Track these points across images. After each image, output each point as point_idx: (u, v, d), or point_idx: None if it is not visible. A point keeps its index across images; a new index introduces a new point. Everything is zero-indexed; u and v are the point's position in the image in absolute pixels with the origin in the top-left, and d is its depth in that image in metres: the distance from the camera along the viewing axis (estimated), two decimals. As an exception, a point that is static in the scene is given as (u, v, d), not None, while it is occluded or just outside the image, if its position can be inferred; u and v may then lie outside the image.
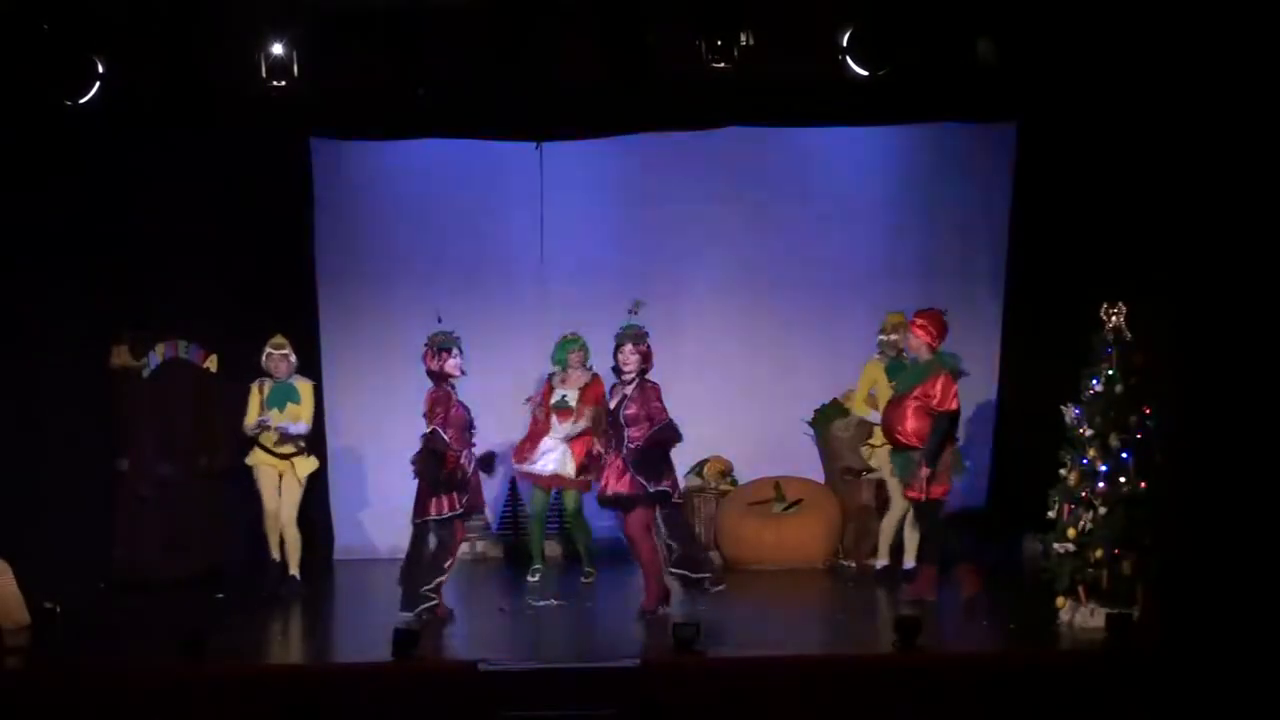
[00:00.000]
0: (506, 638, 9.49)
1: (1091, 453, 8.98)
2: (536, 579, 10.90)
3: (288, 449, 10.65)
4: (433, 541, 9.37)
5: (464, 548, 10.22)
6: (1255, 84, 9.82)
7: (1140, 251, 10.44)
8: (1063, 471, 9.13)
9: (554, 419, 10.95)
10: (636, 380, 9.56)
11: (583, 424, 10.77)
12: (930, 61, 10.12)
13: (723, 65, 9.87)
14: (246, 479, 10.75)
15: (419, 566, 9.36)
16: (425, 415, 9.44)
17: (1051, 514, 9.16)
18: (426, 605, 9.29)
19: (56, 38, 9.84)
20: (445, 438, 9.33)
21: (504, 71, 10.05)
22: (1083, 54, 10.12)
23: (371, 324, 12.13)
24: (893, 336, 10.93)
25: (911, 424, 9.91)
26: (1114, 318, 9.07)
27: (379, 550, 11.92)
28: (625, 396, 9.55)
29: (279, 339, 10.70)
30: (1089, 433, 9.01)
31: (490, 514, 11.84)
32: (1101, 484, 8.92)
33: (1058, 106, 10.81)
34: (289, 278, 11.76)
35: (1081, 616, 8.93)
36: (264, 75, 9.95)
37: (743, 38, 9.83)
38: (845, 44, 10.02)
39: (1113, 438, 8.95)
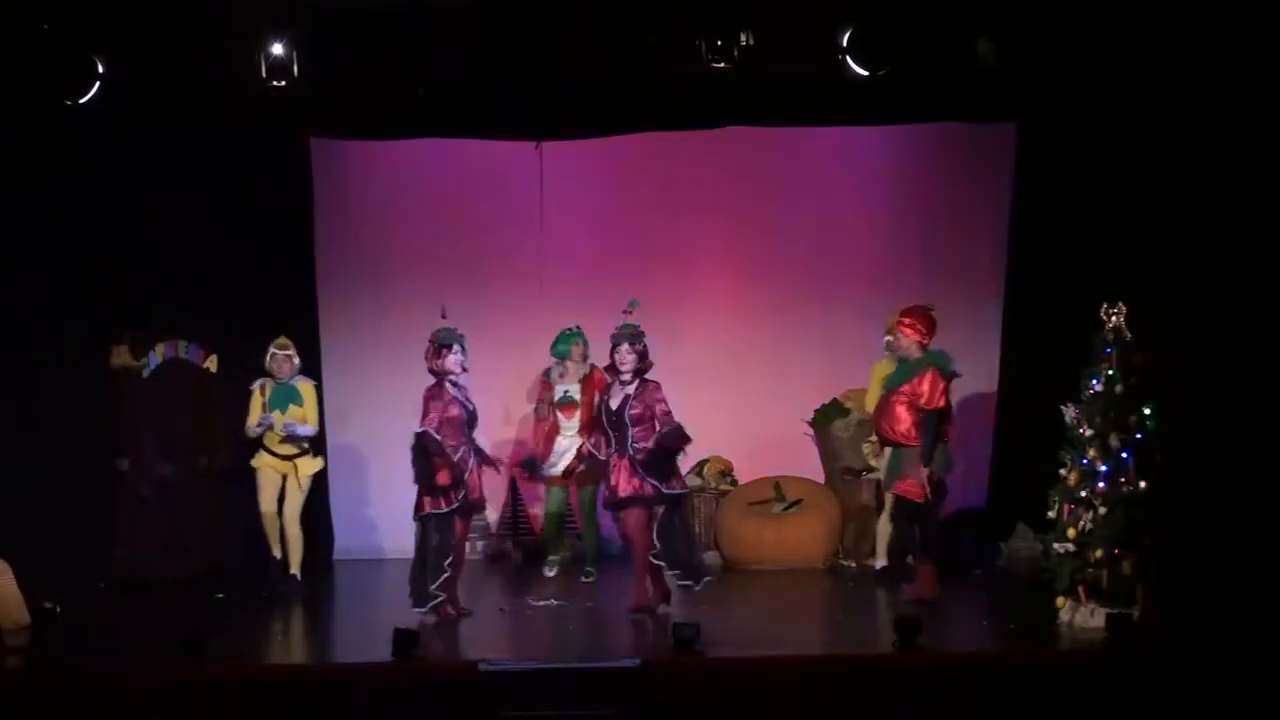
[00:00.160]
0: (506, 638, 9.50)
1: (1091, 453, 8.98)
2: (554, 572, 11.00)
3: (291, 449, 10.65)
4: (433, 539, 9.39)
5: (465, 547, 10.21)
6: (1255, 84, 9.82)
7: (1140, 251, 10.45)
8: (1063, 471, 9.13)
9: (559, 415, 10.99)
10: (637, 380, 9.57)
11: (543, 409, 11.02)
12: (930, 61, 10.12)
13: (723, 65, 9.87)
14: (246, 479, 10.76)
15: (423, 565, 9.41)
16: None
17: (1051, 514, 9.16)
18: (435, 603, 9.35)
19: (56, 38, 9.85)
20: (436, 437, 9.34)
21: (504, 71, 10.06)
22: (1082, 54, 10.12)
23: (371, 324, 12.13)
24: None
25: (902, 423, 9.92)
26: (1114, 318, 9.07)
27: (379, 550, 11.93)
28: (629, 396, 9.55)
29: (283, 340, 10.70)
30: (1089, 433, 9.01)
31: (492, 514, 11.87)
32: (1101, 484, 8.92)
33: (1058, 106, 10.81)
34: (289, 278, 11.76)
35: (1081, 616, 8.92)
36: (264, 75, 9.96)
37: (743, 38, 9.84)
38: (845, 44, 10.02)
39: (1113, 438, 8.95)
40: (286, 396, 10.64)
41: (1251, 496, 9.72)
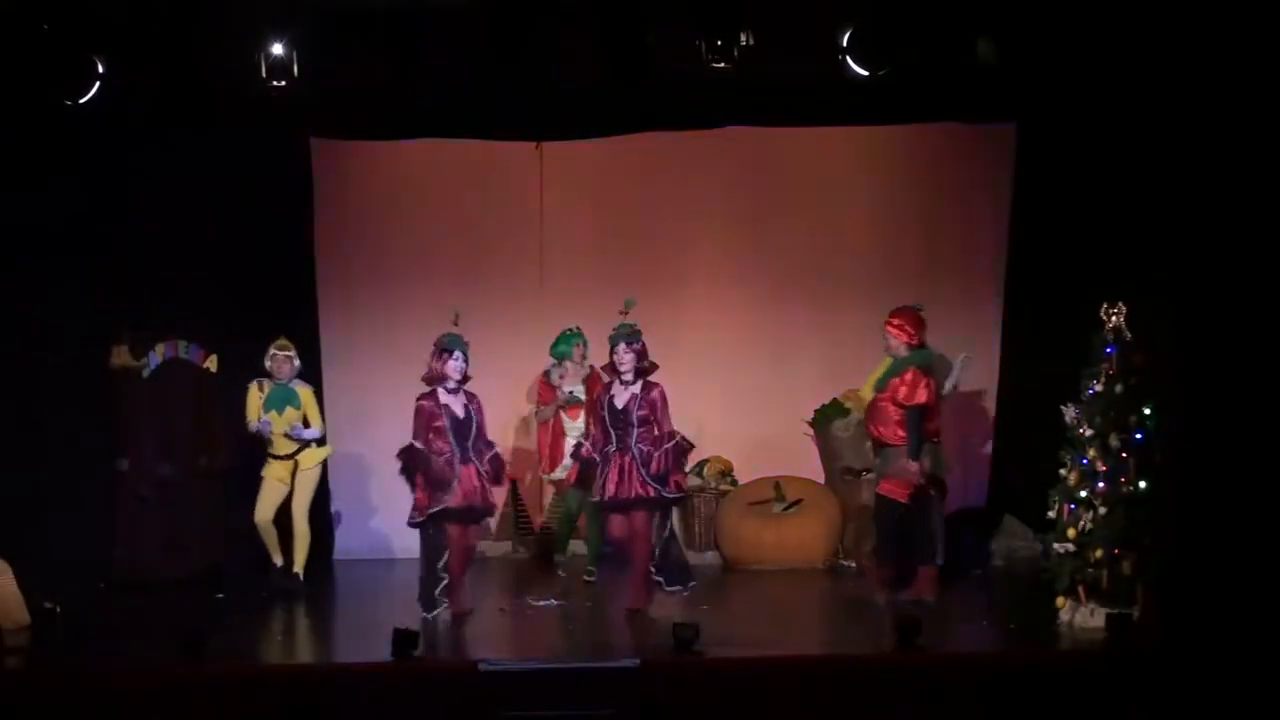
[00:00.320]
0: (506, 638, 9.50)
1: (1091, 453, 8.98)
2: (564, 573, 11.03)
3: (292, 446, 10.64)
4: (425, 542, 9.46)
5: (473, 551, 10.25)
6: (1254, 84, 9.82)
7: (1140, 251, 10.45)
8: (1063, 471, 9.13)
9: (564, 416, 11.01)
10: (640, 380, 9.58)
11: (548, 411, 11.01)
12: (930, 61, 10.12)
13: (723, 65, 9.87)
14: (246, 479, 10.75)
15: (428, 571, 9.50)
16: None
17: (1051, 514, 9.16)
18: (439, 609, 9.43)
19: (56, 38, 9.85)
20: (419, 448, 9.41)
21: (504, 71, 10.05)
22: (1082, 55, 10.12)
23: (371, 324, 12.13)
24: None
25: (887, 423, 9.95)
26: (1114, 318, 9.07)
27: (379, 550, 11.92)
28: (635, 396, 9.56)
29: (283, 341, 10.69)
30: (1089, 433, 9.01)
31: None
32: (1101, 484, 8.92)
33: (1058, 106, 10.81)
34: (289, 278, 11.77)
35: (1081, 616, 8.92)
36: (264, 75, 9.96)
37: (743, 38, 9.83)
38: (845, 44, 10.02)
39: (1113, 438, 8.95)
40: (284, 399, 10.62)
41: (1251, 496, 9.72)
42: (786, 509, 11.52)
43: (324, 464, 10.87)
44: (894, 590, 9.92)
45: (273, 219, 11.62)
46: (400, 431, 9.66)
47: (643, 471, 9.48)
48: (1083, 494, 8.97)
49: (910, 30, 9.99)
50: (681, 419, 9.74)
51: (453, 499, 9.42)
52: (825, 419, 11.84)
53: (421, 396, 9.54)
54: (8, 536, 9.71)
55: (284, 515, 10.65)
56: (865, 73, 10.02)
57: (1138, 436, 8.97)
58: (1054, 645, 8.79)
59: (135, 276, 11.29)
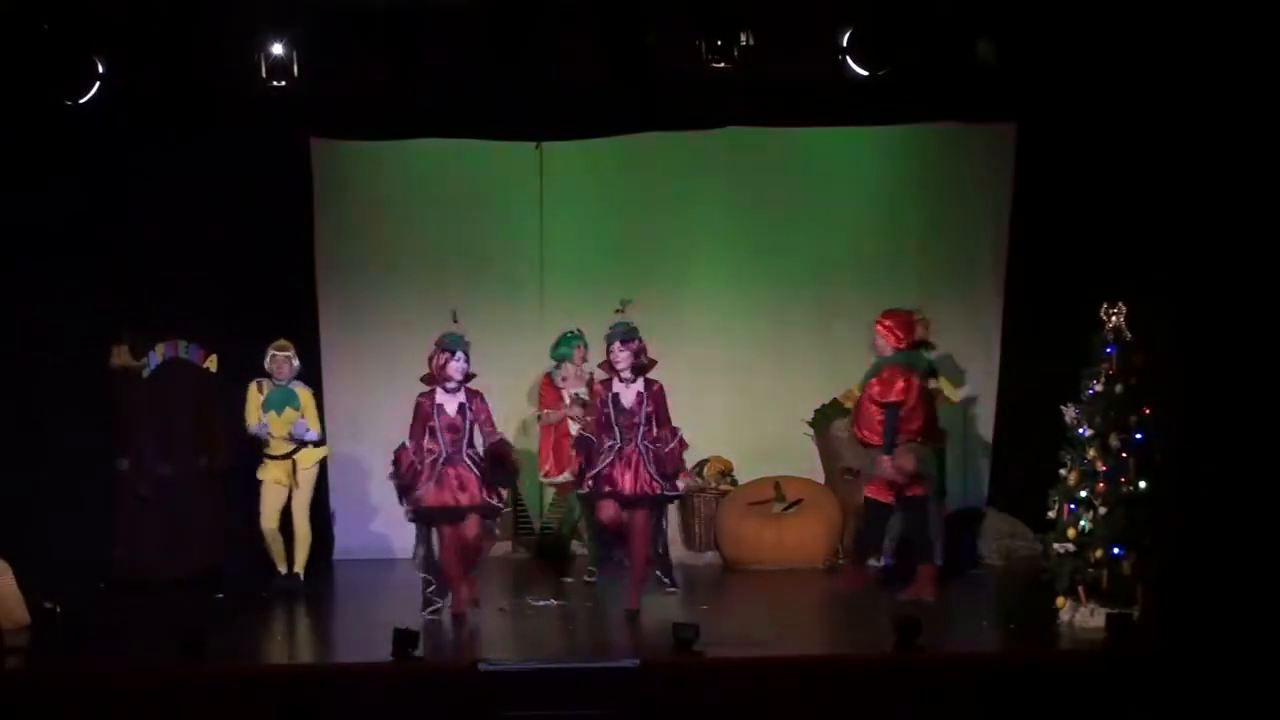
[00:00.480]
0: (506, 638, 9.49)
1: (1091, 453, 8.98)
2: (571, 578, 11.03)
3: (289, 446, 10.64)
4: (416, 541, 9.58)
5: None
6: (1254, 84, 9.83)
7: (1140, 251, 10.45)
8: (1063, 471, 9.12)
9: (569, 419, 11.03)
10: (641, 378, 9.58)
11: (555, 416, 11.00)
12: (930, 62, 10.13)
13: (723, 65, 9.88)
14: (246, 479, 10.74)
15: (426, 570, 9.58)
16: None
17: (1051, 514, 9.16)
18: (433, 608, 9.48)
19: (56, 38, 9.85)
20: (407, 447, 9.43)
21: (504, 71, 10.06)
22: (1082, 55, 10.13)
23: (371, 324, 12.13)
24: None
25: (869, 424, 9.98)
26: (1114, 318, 9.07)
27: (379, 550, 11.91)
28: (641, 394, 9.56)
29: (283, 341, 10.68)
30: (1089, 433, 9.01)
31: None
32: (1101, 484, 8.92)
33: (1058, 107, 10.82)
34: (289, 278, 11.76)
35: (1081, 616, 8.92)
36: (264, 75, 9.97)
37: (743, 38, 9.85)
38: (845, 44, 10.03)
39: (1113, 438, 8.94)
40: (284, 399, 10.62)
41: (1251, 496, 9.73)
42: (786, 509, 11.52)
43: (322, 464, 10.88)
44: (866, 586, 9.98)
45: (273, 219, 11.61)
46: (399, 432, 9.66)
47: (651, 469, 9.49)
48: (1083, 494, 8.97)
49: (910, 30, 10.00)
50: (682, 419, 9.73)
51: (428, 498, 9.42)
52: (825, 419, 11.84)
53: (422, 395, 9.55)
54: (8, 536, 9.71)
55: (284, 517, 10.66)
56: (865, 73, 10.03)
57: (1138, 436, 8.96)
58: (1054, 645, 8.78)
59: (135, 276, 11.29)
